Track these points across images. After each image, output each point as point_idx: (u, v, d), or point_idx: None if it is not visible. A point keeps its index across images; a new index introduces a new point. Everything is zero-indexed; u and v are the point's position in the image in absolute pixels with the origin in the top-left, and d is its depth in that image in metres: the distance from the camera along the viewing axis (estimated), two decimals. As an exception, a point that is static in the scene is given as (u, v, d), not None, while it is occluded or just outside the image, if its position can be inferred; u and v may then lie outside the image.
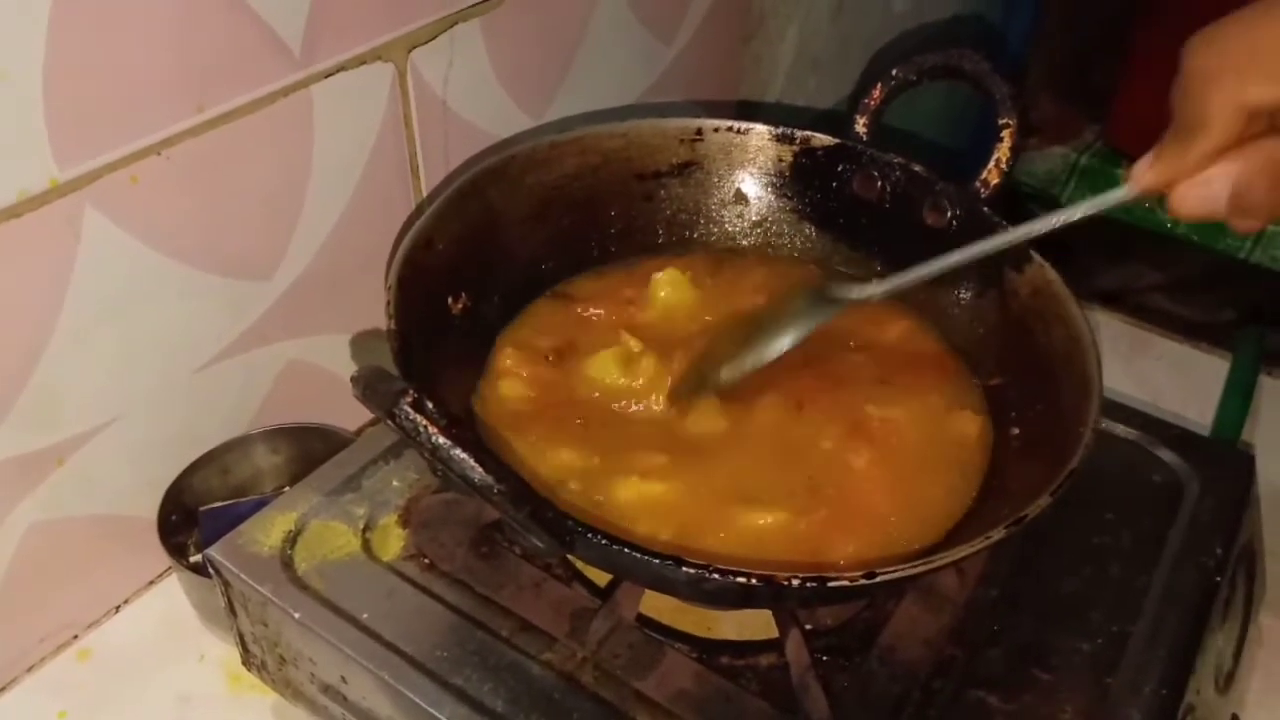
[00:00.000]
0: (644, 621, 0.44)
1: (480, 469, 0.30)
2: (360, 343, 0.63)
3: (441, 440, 0.29)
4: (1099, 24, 1.19)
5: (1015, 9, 1.18)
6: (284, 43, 0.51)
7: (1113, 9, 1.15)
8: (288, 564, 0.45)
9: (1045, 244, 0.48)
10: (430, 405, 0.29)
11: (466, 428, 0.30)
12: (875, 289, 0.44)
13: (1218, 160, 0.35)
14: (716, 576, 0.33)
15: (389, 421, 0.30)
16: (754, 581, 0.33)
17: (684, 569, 0.33)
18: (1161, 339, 0.76)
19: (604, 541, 0.33)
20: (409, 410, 0.29)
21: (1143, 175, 0.37)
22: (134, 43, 0.45)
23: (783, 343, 0.44)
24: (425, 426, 0.29)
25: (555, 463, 0.43)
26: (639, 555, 0.33)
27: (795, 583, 0.33)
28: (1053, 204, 1.19)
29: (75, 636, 0.55)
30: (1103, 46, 1.17)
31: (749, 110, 0.88)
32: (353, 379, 0.32)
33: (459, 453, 0.30)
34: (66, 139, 0.44)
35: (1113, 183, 1.26)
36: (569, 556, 0.44)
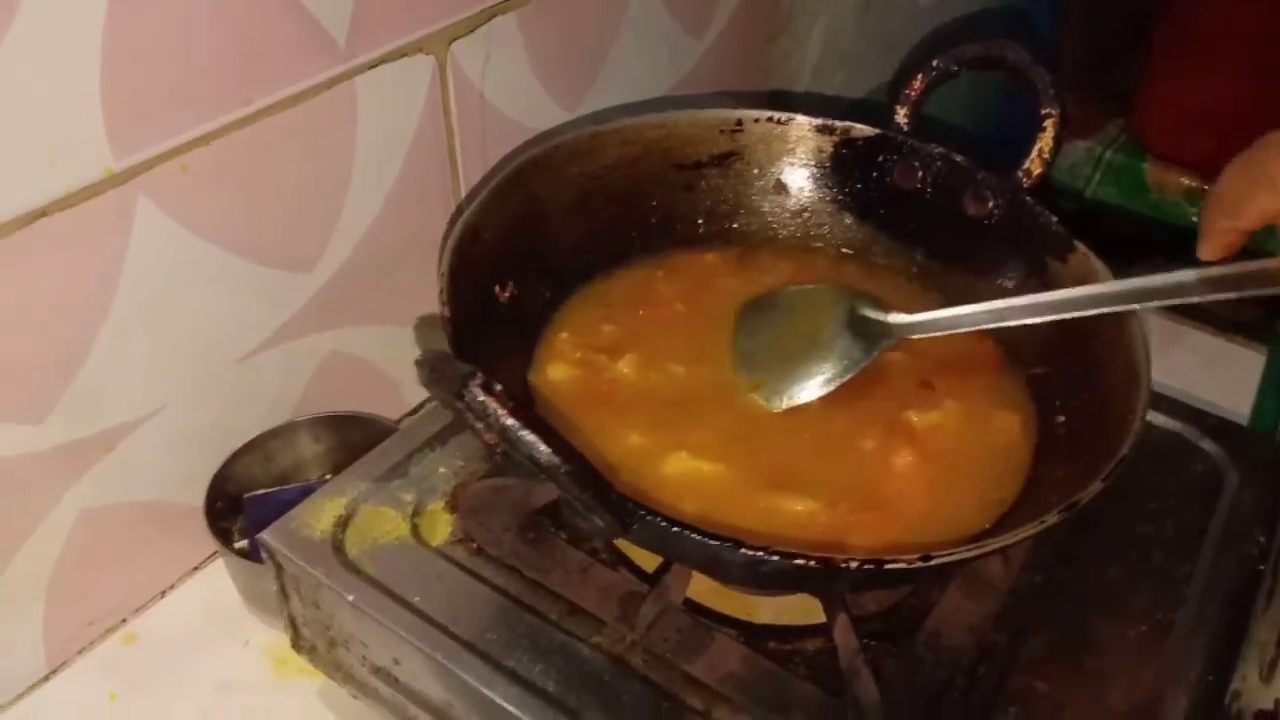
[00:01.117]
0: (689, 606, 0.44)
1: (547, 449, 0.30)
2: (419, 330, 0.63)
3: (510, 421, 0.30)
4: (1120, 17, 1.19)
5: (1039, 2, 1.18)
6: (330, 35, 0.51)
7: (1133, 2, 1.14)
8: (339, 548, 0.45)
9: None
10: (498, 386, 0.30)
11: (531, 409, 0.31)
12: (917, 320, 0.45)
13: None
14: (775, 559, 0.33)
15: (457, 403, 0.30)
16: (811, 564, 0.33)
17: (742, 551, 0.33)
18: (1194, 331, 0.76)
19: (663, 523, 0.34)
20: (478, 392, 0.30)
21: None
22: (187, 35, 0.46)
23: (829, 382, 0.46)
24: (494, 408, 0.30)
25: (607, 444, 0.44)
26: (697, 537, 0.33)
27: (852, 565, 0.34)
28: (1077, 198, 1.19)
29: (123, 620, 0.55)
30: (1124, 40, 1.17)
31: (780, 99, 0.88)
32: (418, 363, 0.32)
33: (527, 434, 0.30)
34: (121, 129, 0.45)
35: (1138, 177, 1.24)
36: (616, 541, 0.45)
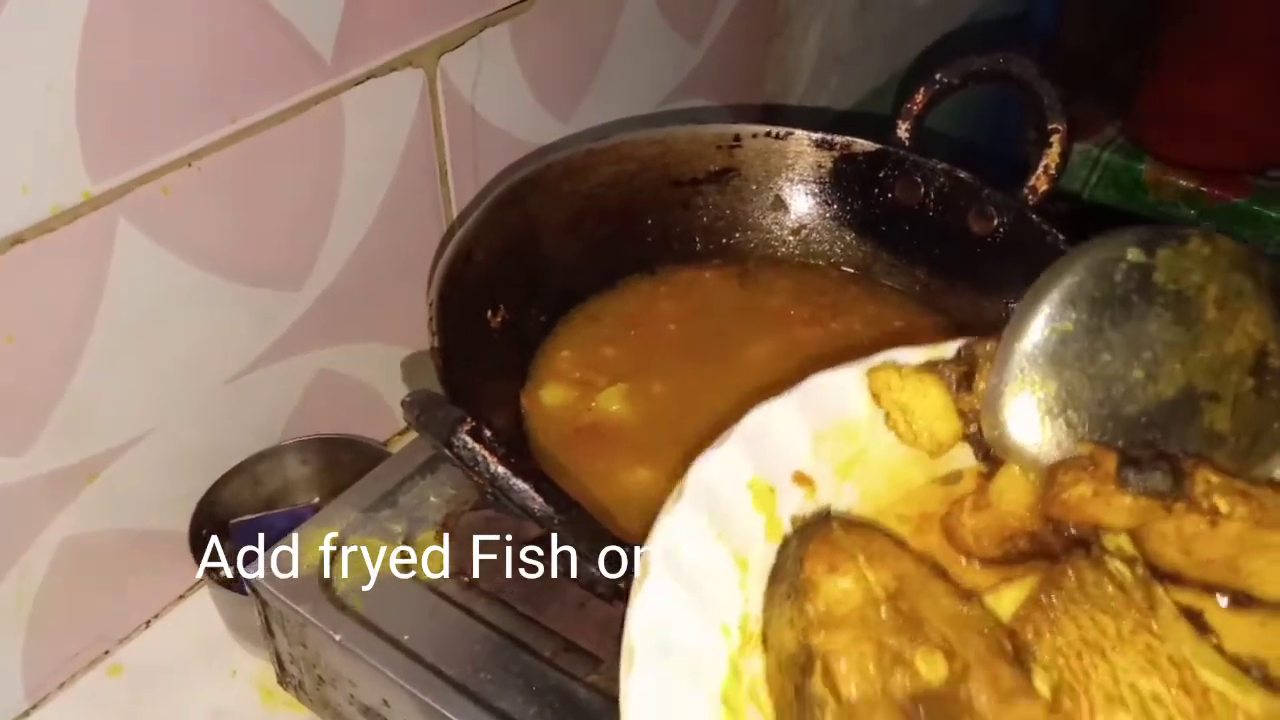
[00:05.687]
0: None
1: (540, 499, 0.29)
2: (410, 360, 0.62)
3: (500, 470, 0.29)
4: (1120, 19, 1.18)
5: (1038, 4, 1.17)
6: (316, 51, 0.50)
7: (1134, 4, 1.13)
8: (326, 584, 0.44)
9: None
10: (488, 433, 0.29)
11: (524, 456, 0.29)
12: None
13: None
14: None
15: (446, 451, 0.29)
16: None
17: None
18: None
19: (662, 569, 0.32)
20: (467, 439, 0.28)
21: None
22: (167, 53, 0.44)
23: None
24: (484, 456, 0.28)
25: (610, 477, 0.42)
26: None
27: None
28: (1074, 199, 1.18)
29: (106, 652, 0.54)
30: (1124, 42, 1.16)
31: (776, 111, 0.87)
32: (405, 404, 0.31)
33: (518, 483, 0.29)
34: (99, 152, 0.43)
35: (1135, 178, 1.23)
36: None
